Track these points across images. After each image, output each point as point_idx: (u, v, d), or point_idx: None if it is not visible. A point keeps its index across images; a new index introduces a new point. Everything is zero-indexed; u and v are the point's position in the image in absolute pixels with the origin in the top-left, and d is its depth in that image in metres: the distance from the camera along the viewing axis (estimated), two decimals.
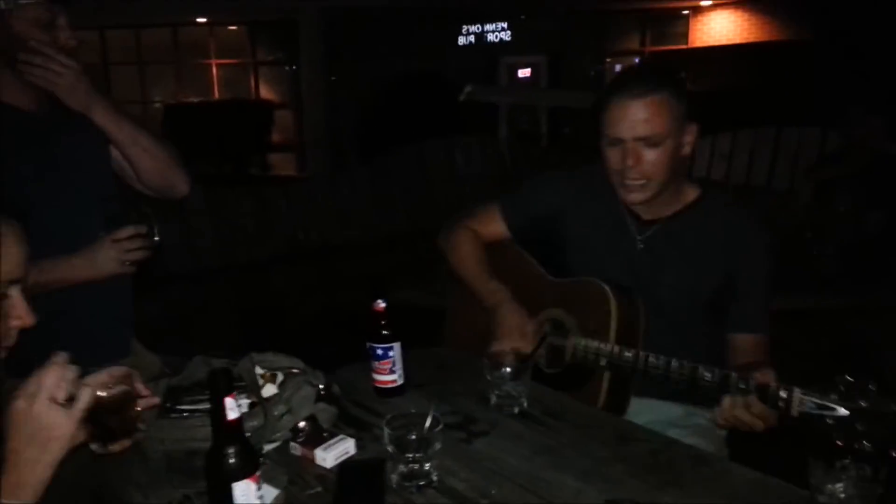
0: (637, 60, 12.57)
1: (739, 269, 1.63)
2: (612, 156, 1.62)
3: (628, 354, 1.56)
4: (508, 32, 12.53)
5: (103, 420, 1.08)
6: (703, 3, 11.35)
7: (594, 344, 1.63)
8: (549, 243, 1.84)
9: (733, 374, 1.39)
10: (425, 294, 5.03)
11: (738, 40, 11.10)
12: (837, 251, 3.53)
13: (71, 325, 1.62)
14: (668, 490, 1.20)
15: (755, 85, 8.91)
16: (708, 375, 1.42)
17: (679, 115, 1.58)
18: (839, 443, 1.17)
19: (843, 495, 1.06)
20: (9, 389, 1.05)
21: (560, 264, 1.80)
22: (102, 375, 1.10)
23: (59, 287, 1.57)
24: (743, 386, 1.36)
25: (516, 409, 1.50)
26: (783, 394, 1.29)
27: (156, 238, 1.68)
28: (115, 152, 1.78)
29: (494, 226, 1.92)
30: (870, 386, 1.19)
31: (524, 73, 12.47)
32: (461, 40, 12.94)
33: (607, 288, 1.63)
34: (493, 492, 1.21)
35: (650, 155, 1.57)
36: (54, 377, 0.95)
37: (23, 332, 1.39)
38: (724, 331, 1.65)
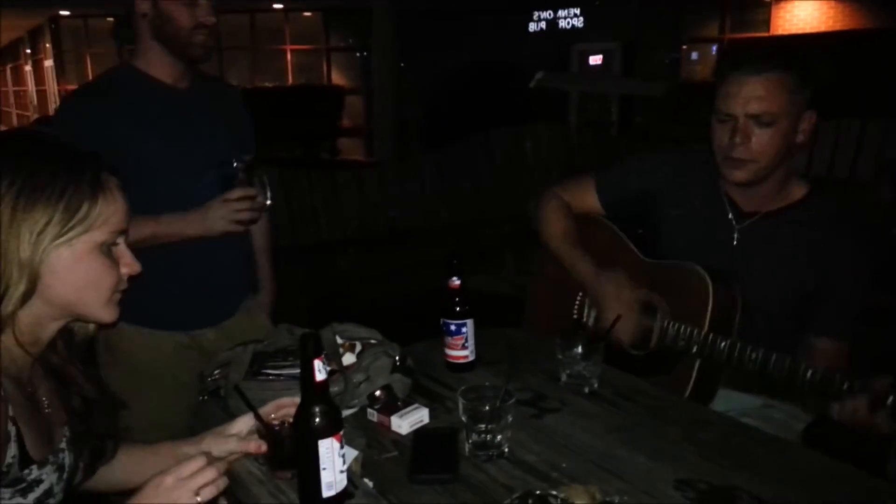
0: (714, 48, 12.20)
1: (835, 278, 1.58)
2: (721, 131, 1.59)
3: (723, 344, 1.54)
4: (581, 19, 12.35)
5: (276, 448, 1.20)
6: None
7: (686, 329, 1.60)
8: (642, 222, 1.82)
9: (837, 375, 1.36)
10: (492, 280, 5.09)
11: (822, 28, 10.63)
12: None
13: (184, 282, 1.82)
14: (740, 473, 1.20)
15: (840, 75, 8.53)
16: (809, 374, 1.40)
17: (798, 99, 1.53)
18: None
19: None
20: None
21: (652, 245, 1.77)
22: (270, 407, 1.26)
23: (176, 240, 1.72)
24: (846, 387, 1.33)
25: (587, 389, 1.52)
26: (890, 399, 1.27)
27: (268, 202, 1.79)
28: None
29: (588, 199, 1.88)
30: None
31: (596, 60, 12.28)
32: (532, 27, 12.83)
33: (706, 275, 1.60)
34: (563, 465, 1.23)
35: (760, 134, 1.53)
36: (207, 476, 1.03)
37: (147, 285, 1.57)
38: (807, 333, 1.61)
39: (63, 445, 1.12)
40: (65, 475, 1.11)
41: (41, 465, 1.06)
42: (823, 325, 1.59)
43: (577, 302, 1.88)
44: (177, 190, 1.75)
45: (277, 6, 13.33)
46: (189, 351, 1.84)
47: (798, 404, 1.68)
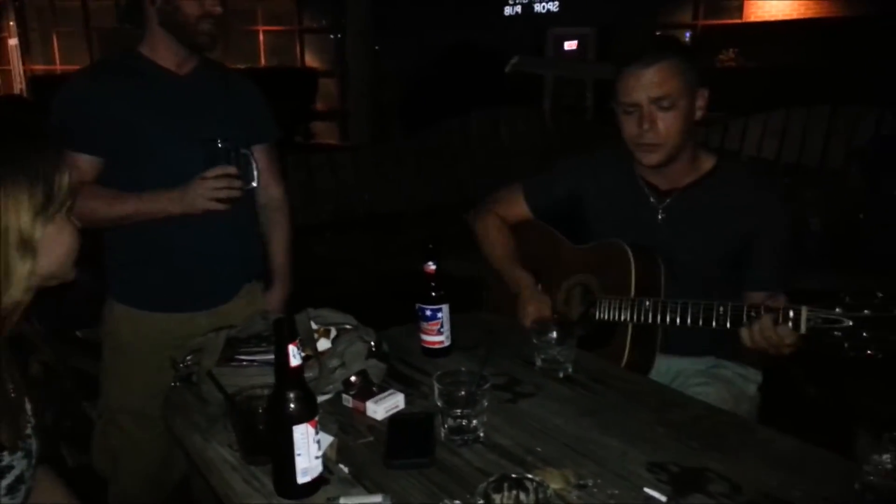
0: (688, 35, 12.26)
1: (756, 234, 1.68)
2: (629, 122, 1.69)
3: (647, 303, 1.63)
4: (556, 3, 12.32)
5: (250, 434, 1.20)
6: None
7: (616, 299, 1.69)
8: (571, 222, 1.92)
9: (745, 305, 1.48)
10: (469, 264, 5.09)
11: (794, 15, 10.74)
12: (891, 234, 3.45)
13: (177, 264, 1.84)
14: (710, 455, 1.22)
15: (811, 62, 8.64)
16: (721, 309, 1.52)
17: (690, 79, 1.65)
18: (851, 353, 1.26)
19: (889, 466, 1.06)
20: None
21: (585, 238, 1.87)
22: None
23: (161, 216, 1.74)
24: (754, 314, 1.45)
25: (561, 374, 1.53)
26: (791, 313, 1.38)
27: (253, 184, 1.79)
28: None
29: (518, 208, 1.99)
30: (877, 294, 1.26)
31: (571, 45, 12.27)
32: (508, 10, 12.77)
33: (625, 245, 1.71)
34: (538, 449, 1.24)
35: (665, 118, 1.64)
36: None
37: (140, 266, 1.80)
38: (742, 290, 1.69)
39: (29, 432, 1.11)
40: (33, 461, 1.10)
41: (12, 451, 1.05)
42: (753, 280, 1.68)
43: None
44: (172, 172, 1.75)
45: None
46: (178, 334, 1.82)
47: (745, 362, 1.78)
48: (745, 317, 1.48)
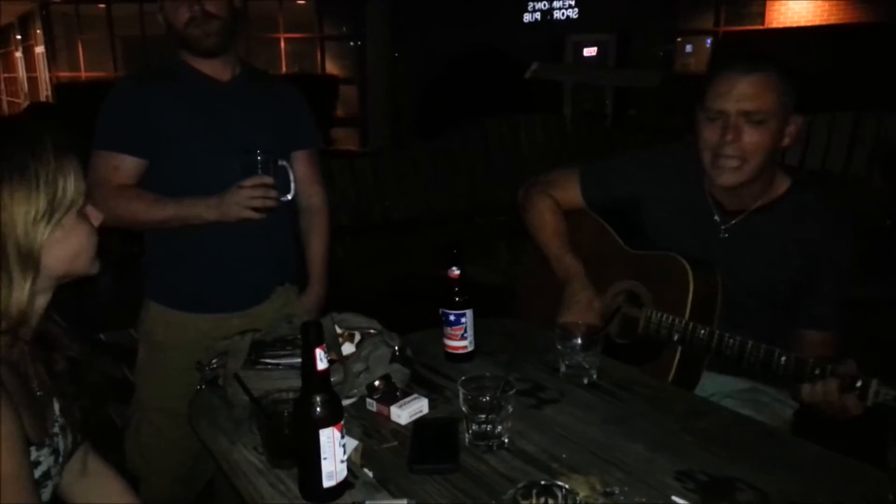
0: (709, 41, 12.19)
1: (819, 270, 1.60)
2: (710, 130, 1.59)
3: (703, 332, 1.56)
4: (576, 10, 12.29)
5: (276, 437, 1.20)
6: None
7: (668, 318, 1.63)
8: (627, 221, 1.84)
9: (810, 361, 1.39)
10: (486, 270, 5.09)
11: (816, 22, 10.63)
12: None
13: (210, 266, 1.88)
14: (738, 464, 1.20)
15: (834, 68, 8.55)
16: (783, 360, 1.43)
17: (787, 101, 1.55)
18: None
19: None
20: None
21: (638, 240, 1.79)
22: None
23: (198, 222, 1.78)
24: (818, 372, 1.36)
25: (585, 380, 1.52)
26: (859, 383, 1.31)
27: (289, 196, 1.84)
28: None
29: (572, 194, 1.90)
30: None
31: (590, 51, 12.25)
32: (527, 17, 12.78)
33: (686, 263, 1.62)
34: (563, 456, 1.23)
35: (751, 133, 1.54)
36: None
37: (175, 266, 1.86)
38: (795, 325, 1.63)
39: (56, 430, 1.12)
40: (60, 459, 1.12)
41: (39, 447, 1.06)
42: (809, 316, 1.62)
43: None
44: (210, 178, 1.79)
45: None
46: (212, 335, 1.84)
47: (784, 389, 1.70)
48: (808, 373, 1.39)
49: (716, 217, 1.70)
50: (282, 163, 1.83)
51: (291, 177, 1.88)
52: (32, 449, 1.05)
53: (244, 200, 1.72)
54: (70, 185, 1.04)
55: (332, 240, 2.16)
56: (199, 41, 1.80)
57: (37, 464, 1.06)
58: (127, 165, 1.81)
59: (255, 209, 1.74)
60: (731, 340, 1.51)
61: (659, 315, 1.65)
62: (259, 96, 1.94)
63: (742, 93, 1.53)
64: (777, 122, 1.55)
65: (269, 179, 1.75)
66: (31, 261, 1.01)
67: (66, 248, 1.06)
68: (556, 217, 1.91)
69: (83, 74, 15.57)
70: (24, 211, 1.00)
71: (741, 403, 1.62)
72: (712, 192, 1.70)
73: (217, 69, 1.87)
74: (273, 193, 1.75)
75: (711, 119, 1.59)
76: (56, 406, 1.14)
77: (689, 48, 12.56)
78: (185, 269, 1.90)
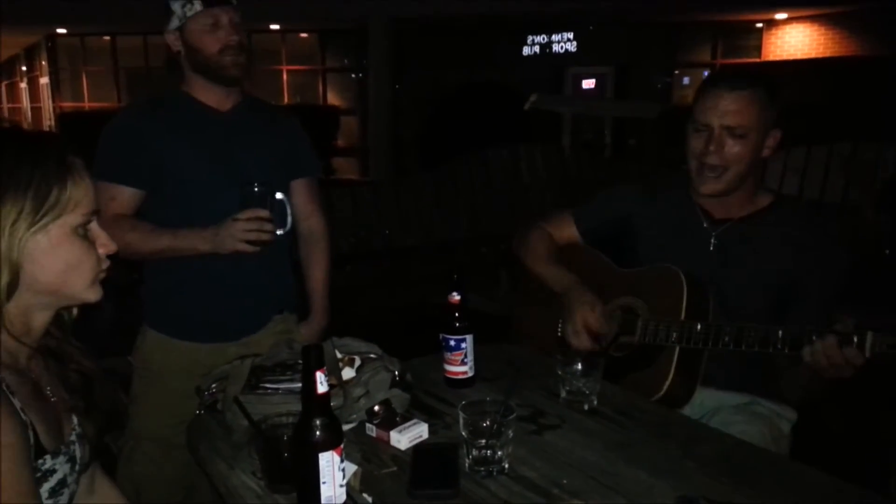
0: (706, 73, 12.33)
1: (808, 276, 1.66)
2: (697, 140, 1.71)
3: (699, 326, 1.61)
4: (574, 43, 12.48)
5: (275, 461, 1.20)
6: (777, 17, 11.08)
7: (665, 320, 1.67)
8: (620, 247, 1.91)
9: (807, 327, 1.48)
10: (486, 300, 5.08)
11: (812, 55, 10.79)
12: None
13: (207, 295, 1.89)
14: (741, 490, 1.19)
15: (830, 100, 8.65)
16: (780, 333, 1.50)
17: (767, 117, 1.67)
18: None
19: None
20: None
21: (632, 262, 1.85)
22: None
23: (192, 254, 1.78)
24: (815, 337, 1.44)
25: (586, 406, 1.51)
26: (856, 337, 1.40)
27: (281, 231, 1.83)
28: None
29: (566, 228, 2.00)
30: None
31: (589, 84, 12.40)
32: (526, 50, 12.96)
33: (678, 270, 1.69)
34: (564, 481, 1.22)
35: (732, 145, 1.66)
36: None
37: (172, 294, 1.86)
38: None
39: (73, 438, 1.12)
40: (77, 467, 1.12)
41: (54, 454, 1.06)
42: (797, 320, 1.62)
43: (561, 323, 1.89)
44: (208, 208, 1.80)
45: (274, 27, 13.41)
46: (208, 363, 1.84)
47: (781, 401, 1.74)
48: (806, 338, 1.47)
49: (705, 225, 1.78)
50: (279, 196, 1.83)
51: (289, 210, 1.88)
52: (48, 457, 1.04)
53: (238, 233, 1.72)
54: (65, 195, 1.04)
55: (332, 268, 2.16)
56: (227, 69, 1.82)
57: (52, 472, 1.05)
58: (124, 196, 1.82)
59: (250, 242, 1.73)
60: (728, 327, 1.57)
61: (656, 321, 1.70)
62: (259, 125, 1.95)
63: (726, 108, 1.65)
64: (757, 135, 1.66)
65: (264, 213, 1.74)
66: (7, 262, 1.00)
67: (53, 259, 1.04)
68: (549, 241, 1.99)
69: (87, 105, 15.73)
70: (8, 209, 0.99)
71: (750, 419, 1.64)
72: (699, 202, 1.79)
73: (219, 99, 1.89)
74: (268, 227, 1.75)
75: (698, 130, 1.71)
76: (73, 416, 1.14)
77: (686, 80, 12.71)
78: (183, 297, 1.90)
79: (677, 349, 1.65)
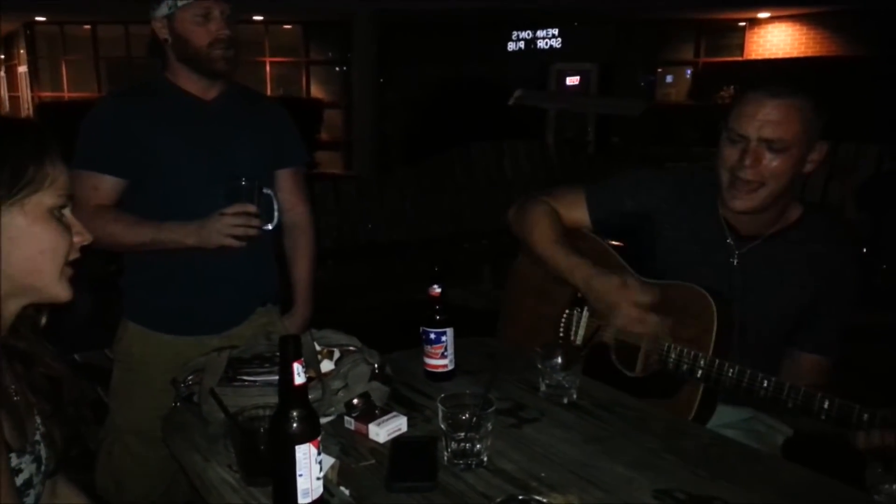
0: (689, 72, 12.41)
1: (826, 294, 1.59)
2: (730, 152, 1.55)
3: (731, 371, 1.48)
4: (559, 40, 12.50)
5: (251, 454, 1.19)
6: (760, 16, 11.17)
7: (691, 353, 1.54)
8: (634, 242, 1.77)
9: (856, 407, 1.32)
10: (470, 295, 5.08)
11: (795, 54, 10.89)
12: (893, 267, 3.45)
13: (188, 288, 1.87)
14: (718, 484, 1.20)
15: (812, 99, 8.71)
16: (826, 404, 1.35)
17: (813, 129, 1.51)
18: None
19: None
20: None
21: (646, 265, 1.70)
22: None
23: (176, 247, 1.76)
24: (867, 418, 1.31)
25: (566, 400, 1.51)
26: None
27: (269, 225, 1.82)
28: None
29: (576, 211, 1.79)
30: None
31: (573, 80, 12.41)
32: (511, 46, 12.96)
33: (710, 298, 1.54)
34: (542, 474, 1.22)
35: (771, 160, 1.50)
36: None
37: (153, 287, 1.83)
38: (793, 348, 1.63)
39: (38, 438, 1.10)
40: (42, 468, 1.09)
41: (20, 453, 1.04)
42: (811, 341, 1.60)
43: (564, 318, 1.81)
44: (190, 198, 1.78)
45: (257, 18, 13.29)
46: (189, 356, 1.81)
47: (780, 417, 1.69)
48: (855, 419, 1.32)
49: (729, 241, 1.64)
50: (266, 191, 1.81)
51: (276, 205, 1.86)
52: (13, 456, 1.02)
53: (225, 228, 1.71)
54: (42, 171, 1.02)
55: (317, 260, 2.14)
56: (215, 63, 1.80)
57: (18, 471, 1.03)
58: (106, 185, 1.79)
59: (236, 237, 1.72)
60: (765, 382, 1.44)
61: (679, 349, 1.56)
62: (243, 114, 1.92)
63: (766, 118, 1.48)
64: (800, 150, 1.50)
65: (251, 208, 1.73)
66: None
67: (28, 239, 1.02)
68: (559, 225, 1.77)
69: (66, 95, 15.50)
70: None
71: (741, 434, 1.57)
72: (726, 216, 1.65)
73: (203, 88, 1.86)
74: (255, 222, 1.74)
75: (733, 140, 1.54)
76: (37, 417, 1.12)
77: (669, 78, 12.79)
78: (165, 289, 1.87)
79: (702, 385, 1.54)
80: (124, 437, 1.88)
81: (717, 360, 1.51)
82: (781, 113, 1.48)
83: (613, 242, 1.81)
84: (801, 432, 1.69)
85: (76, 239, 1.11)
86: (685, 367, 1.54)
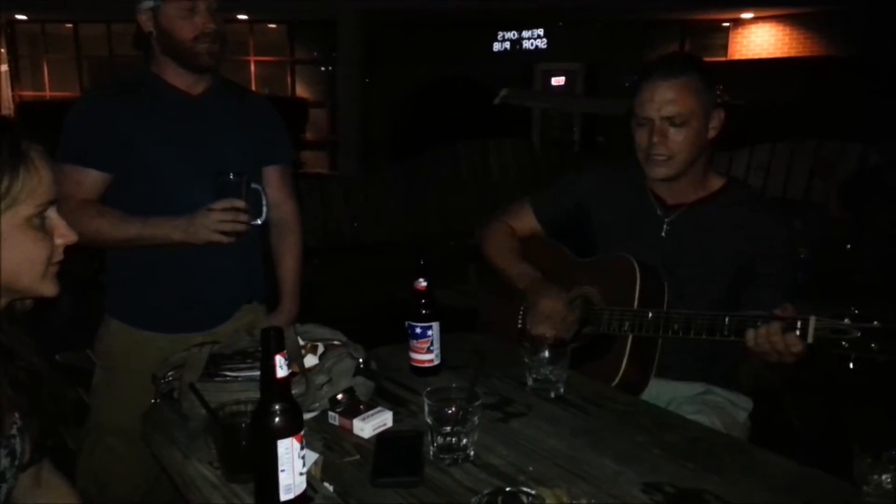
0: None
1: (759, 256, 1.67)
2: (640, 135, 1.71)
3: (651, 314, 1.63)
4: (545, 40, 12.52)
5: (232, 450, 1.17)
6: (744, 16, 11.24)
7: (617, 310, 1.68)
8: (579, 234, 1.91)
9: (752, 312, 1.48)
10: (455, 294, 5.06)
11: (778, 55, 10.97)
12: (877, 264, 3.47)
13: (172, 285, 1.84)
14: (707, 476, 1.19)
15: (795, 100, 8.80)
16: (727, 319, 1.50)
17: (706, 99, 1.67)
18: (853, 364, 1.27)
19: (889, 486, 1.04)
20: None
21: (589, 251, 1.86)
22: None
23: (163, 242, 1.73)
24: (761, 323, 1.44)
25: (553, 394, 1.50)
26: (799, 322, 1.39)
27: (259, 220, 1.78)
28: None
29: (526, 220, 1.99)
30: (886, 309, 1.29)
31: (558, 81, 12.43)
32: (496, 46, 12.96)
33: (631, 259, 1.70)
34: (530, 468, 1.21)
35: (675, 134, 1.66)
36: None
37: (137, 284, 1.80)
38: (738, 309, 1.65)
39: (14, 432, 1.07)
40: (16, 462, 1.07)
41: None
42: (752, 301, 1.65)
43: (521, 313, 1.90)
44: (176, 193, 1.75)
45: (242, 17, 13.20)
46: (171, 354, 1.78)
47: (736, 390, 1.75)
48: (750, 324, 1.47)
49: (658, 212, 1.78)
50: (255, 186, 1.78)
51: (264, 200, 1.82)
52: None
53: (213, 224, 1.68)
54: (17, 185, 0.99)
55: (304, 257, 2.10)
56: (200, 57, 1.76)
57: None
58: (90, 180, 1.76)
59: (224, 233, 1.69)
60: (678, 315, 1.59)
61: (609, 309, 1.71)
62: (231, 109, 1.89)
63: (662, 99, 1.65)
64: (699, 120, 1.66)
65: (240, 203, 1.70)
66: None
67: (5, 251, 1.00)
68: (509, 237, 1.98)
69: (48, 94, 15.32)
70: None
71: (702, 408, 1.66)
72: (652, 188, 1.80)
73: (190, 83, 1.82)
74: (244, 217, 1.71)
75: (640, 124, 1.71)
76: (15, 411, 1.09)
77: None
78: (148, 286, 1.84)
79: (630, 338, 1.66)
80: (106, 437, 1.84)
81: (638, 311, 1.65)
82: (675, 91, 1.65)
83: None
84: (760, 402, 1.78)
85: (58, 241, 1.08)
86: (615, 322, 1.69)
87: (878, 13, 8.63)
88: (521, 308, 1.89)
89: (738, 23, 11.46)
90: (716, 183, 1.78)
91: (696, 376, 1.75)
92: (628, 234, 1.79)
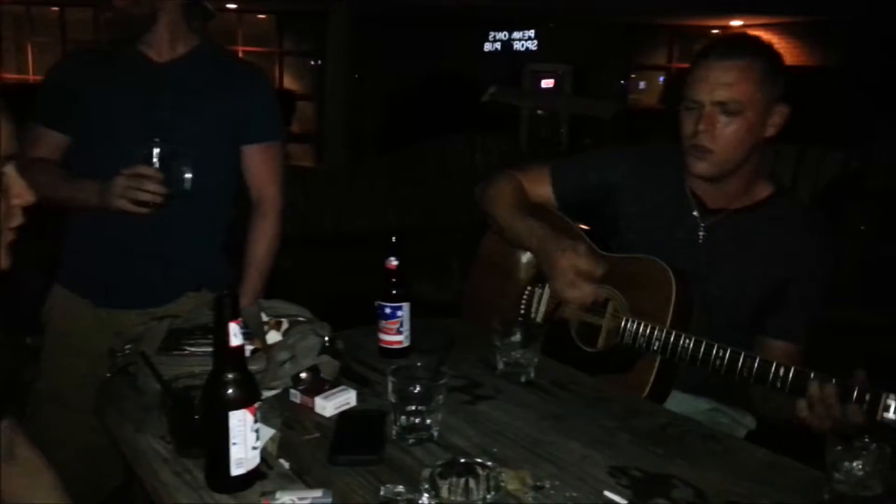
0: (661, 78, 12.52)
1: (796, 279, 1.52)
2: (687, 119, 1.52)
3: (688, 342, 1.43)
4: (535, 41, 12.52)
5: (184, 423, 1.13)
6: (733, 24, 11.30)
7: (648, 326, 1.50)
8: (594, 216, 1.73)
9: (812, 372, 1.28)
10: (437, 289, 5.02)
11: None
12: (856, 268, 3.48)
13: (110, 258, 1.79)
14: (675, 462, 1.16)
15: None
16: (782, 370, 1.31)
17: (768, 90, 1.46)
18: None
19: (860, 473, 1.01)
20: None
21: (609, 241, 1.67)
22: None
23: (80, 206, 1.71)
24: (818, 383, 1.25)
25: (523, 378, 1.46)
26: (868, 395, 1.21)
27: (172, 193, 1.64)
28: None
29: (541, 187, 1.76)
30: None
31: (548, 83, 12.45)
32: (487, 46, 12.95)
33: (669, 271, 1.50)
34: (495, 450, 1.17)
35: (726, 124, 1.46)
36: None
37: (80, 252, 1.74)
38: (761, 334, 1.55)
39: None
40: None
41: None
42: (780, 327, 1.53)
43: (525, 295, 1.76)
44: (116, 162, 1.64)
45: (231, 6, 13.08)
46: (111, 328, 1.71)
47: (744, 408, 1.64)
48: (809, 382, 1.27)
49: (695, 213, 1.60)
50: (184, 156, 1.67)
51: (188, 176, 1.69)
52: None
53: (125, 191, 1.58)
54: None
55: (278, 248, 1.98)
56: (121, 12, 1.68)
57: None
58: (47, 139, 1.76)
59: (137, 203, 1.59)
60: (721, 352, 1.39)
61: (636, 322, 1.51)
62: (201, 82, 1.80)
63: (717, 81, 1.45)
64: (756, 113, 1.46)
65: (149, 171, 1.59)
66: None
67: None
68: (521, 194, 1.75)
69: (31, 77, 15.10)
70: None
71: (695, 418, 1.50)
72: (693, 187, 1.61)
73: (159, 47, 1.76)
74: (152, 187, 1.58)
75: (688, 108, 1.51)
76: None
77: (642, 85, 12.91)
78: (89, 255, 1.80)
79: (659, 358, 1.49)
80: (43, 406, 1.79)
81: (674, 331, 1.46)
82: (733, 74, 1.44)
83: (582, 227, 1.76)
84: (764, 422, 1.63)
85: (15, 201, 1.03)
86: (643, 340, 1.50)
87: (864, 25, 8.70)
88: (527, 289, 1.74)
89: (728, 30, 11.51)
90: (763, 191, 1.57)
91: (707, 391, 1.60)
92: (659, 233, 1.60)
